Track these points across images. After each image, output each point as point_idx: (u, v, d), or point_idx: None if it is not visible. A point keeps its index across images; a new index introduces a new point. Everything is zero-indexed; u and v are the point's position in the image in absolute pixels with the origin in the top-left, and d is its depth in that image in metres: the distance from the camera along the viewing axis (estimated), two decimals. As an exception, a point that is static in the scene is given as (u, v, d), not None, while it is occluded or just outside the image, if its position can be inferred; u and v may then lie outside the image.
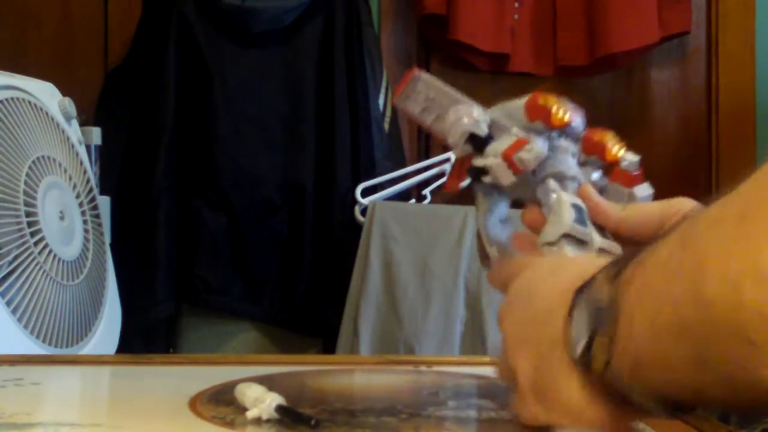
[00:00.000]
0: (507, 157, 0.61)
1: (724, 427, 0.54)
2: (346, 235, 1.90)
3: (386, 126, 2.00)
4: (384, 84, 2.01)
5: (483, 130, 0.63)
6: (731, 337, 0.39)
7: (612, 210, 0.61)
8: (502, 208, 0.66)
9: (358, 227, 1.86)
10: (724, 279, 0.39)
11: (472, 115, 0.63)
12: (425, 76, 0.68)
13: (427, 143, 2.18)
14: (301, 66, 1.96)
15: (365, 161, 1.94)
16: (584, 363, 0.48)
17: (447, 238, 1.80)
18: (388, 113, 2.01)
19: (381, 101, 1.99)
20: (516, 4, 2.12)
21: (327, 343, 1.93)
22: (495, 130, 0.63)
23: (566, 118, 0.62)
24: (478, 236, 0.66)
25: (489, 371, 0.74)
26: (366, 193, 1.90)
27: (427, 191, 2.02)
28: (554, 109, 0.61)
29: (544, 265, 0.57)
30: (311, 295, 1.93)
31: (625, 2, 2.05)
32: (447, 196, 2.00)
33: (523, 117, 0.63)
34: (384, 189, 1.93)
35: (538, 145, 0.61)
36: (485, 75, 2.17)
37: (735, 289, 0.38)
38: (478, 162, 0.63)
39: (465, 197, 2.06)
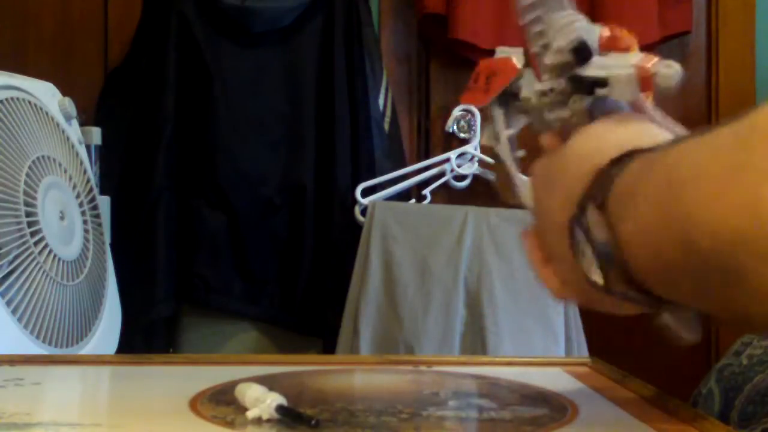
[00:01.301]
0: (644, 71, 0.56)
1: (724, 427, 0.54)
2: (346, 235, 1.90)
3: (386, 126, 2.00)
4: (384, 84, 2.01)
5: (595, 42, 0.59)
6: (726, 284, 0.42)
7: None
8: (516, 128, 0.64)
9: (358, 227, 1.86)
10: (715, 237, 0.41)
11: (584, 24, 0.60)
12: None
13: (427, 143, 2.18)
14: (301, 66, 1.96)
15: (365, 161, 1.94)
16: (605, 287, 0.50)
17: (447, 238, 1.80)
18: (388, 113, 2.01)
19: (381, 101, 1.99)
20: None
21: (327, 343, 1.93)
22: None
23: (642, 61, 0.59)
24: (496, 157, 0.64)
25: (489, 371, 0.74)
26: (366, 193, 1.90)
27: (427, 191, 2.02)
28: (633, 49, 0.59)
29: (543, 172, 0.58)
30: (311, 295, 1.93)
31: (625, 1, 2.05)
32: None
33: (595, 42, 0.59)
34: (384, 189, 1.93)
35: (676, 64, 0.57)
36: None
37: (727, 248, 0.41)
38: (597, 72, 0.58)
39: (465, 197, 2.06)
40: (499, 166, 0.65)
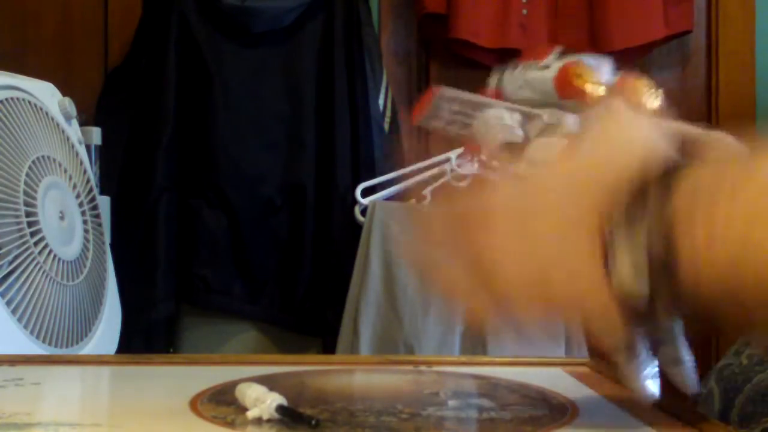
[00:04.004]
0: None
1: (724, 427, 0.54)
2: (346, 235, 1.90)
3: (386, 126, 2.00)
4: (384, 84, 2.01)
5: (519, 136, 0.59)
6: None
7: None
8: None
9: (358, 227, 1.86)
10: None
11: (504, 122, 0.60)
12: (446, 91, 0.64)
13: (427, 143, 2.17)
14: (300, 66, 1.96)
15: (365, 161, 1.94)
16: (647, 296, 0.46)
17: (447, 238, 1.80)
18: (388, 113, 2.01)
19: (381, 101, 1.99)
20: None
21: (327, 343, 1.93)
22: (525, 120, 0.60)
23: (600, 93, 0.58)
24: None
25: (489, 371, 0.74)
26: (366, 193, 1.90)
27: (427, 191, 2.02)
28: (588, 88, 0.58)
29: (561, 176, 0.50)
30: (311, 295, 1.93)
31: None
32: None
33: (551, 91, 0.58)
34: (384, 189, 1.93)
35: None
36: (485, 73, 2.17)
37: None
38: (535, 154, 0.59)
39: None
40: None
